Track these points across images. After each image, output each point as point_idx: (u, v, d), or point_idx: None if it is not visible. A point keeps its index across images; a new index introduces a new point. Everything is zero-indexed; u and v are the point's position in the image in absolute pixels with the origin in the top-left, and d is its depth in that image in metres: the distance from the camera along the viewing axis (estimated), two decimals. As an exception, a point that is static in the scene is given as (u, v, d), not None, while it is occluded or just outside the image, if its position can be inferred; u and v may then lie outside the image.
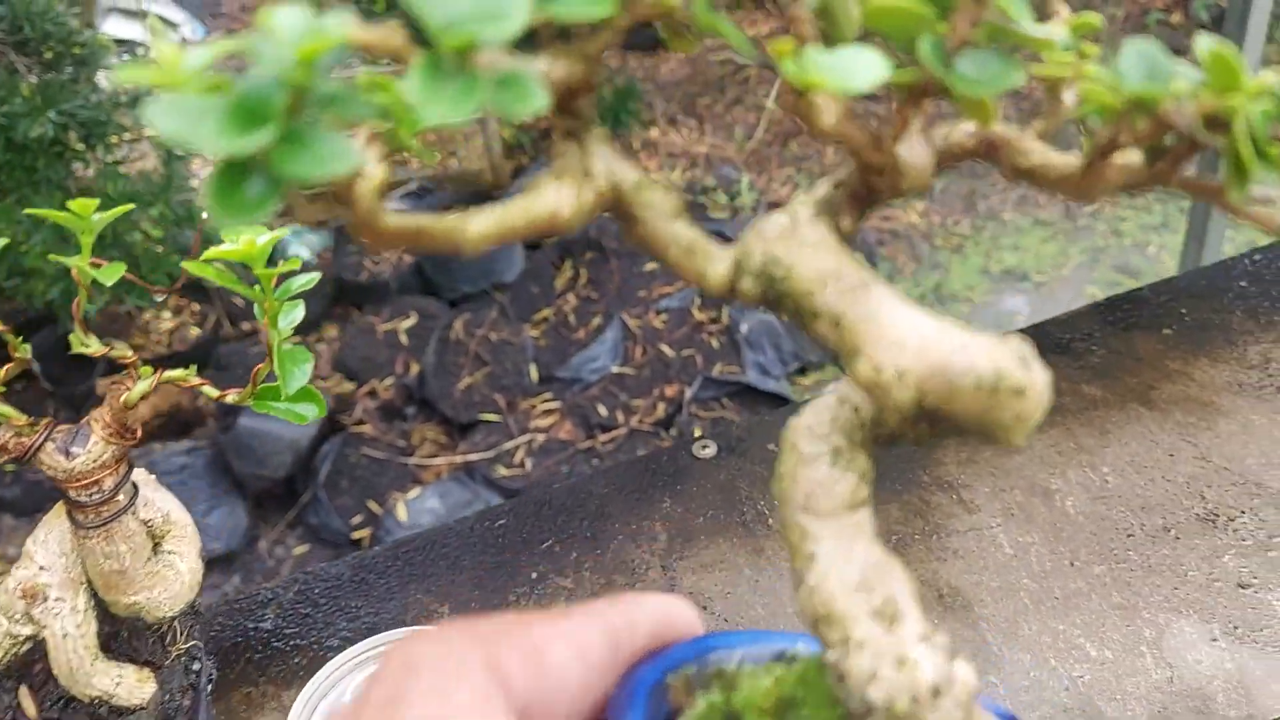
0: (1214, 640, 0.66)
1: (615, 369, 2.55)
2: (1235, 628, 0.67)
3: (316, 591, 0.79)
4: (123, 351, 0.43)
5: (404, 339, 2.63)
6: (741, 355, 2.57)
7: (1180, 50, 0.23)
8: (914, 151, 0.26)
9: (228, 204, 0.19)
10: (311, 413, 0.45)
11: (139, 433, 0.44)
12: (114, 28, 3.80)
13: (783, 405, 2.36)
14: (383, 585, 0.80)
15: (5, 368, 0.42)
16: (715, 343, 2.65)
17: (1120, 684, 0.65)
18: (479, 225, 0.24)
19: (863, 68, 0.22)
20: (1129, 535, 0.73)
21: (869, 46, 0.23)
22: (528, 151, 3.15)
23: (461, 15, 0.19)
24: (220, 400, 0.45)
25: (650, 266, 2.75)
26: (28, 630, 0.45)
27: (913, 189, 0.27)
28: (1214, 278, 0.96)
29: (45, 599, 0.44)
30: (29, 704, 0.46)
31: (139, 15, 4.16)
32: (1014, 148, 0.27)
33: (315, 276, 0.41)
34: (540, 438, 2.39)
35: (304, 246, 2.80)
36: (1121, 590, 0.70)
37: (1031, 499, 0.77)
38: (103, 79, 2.07)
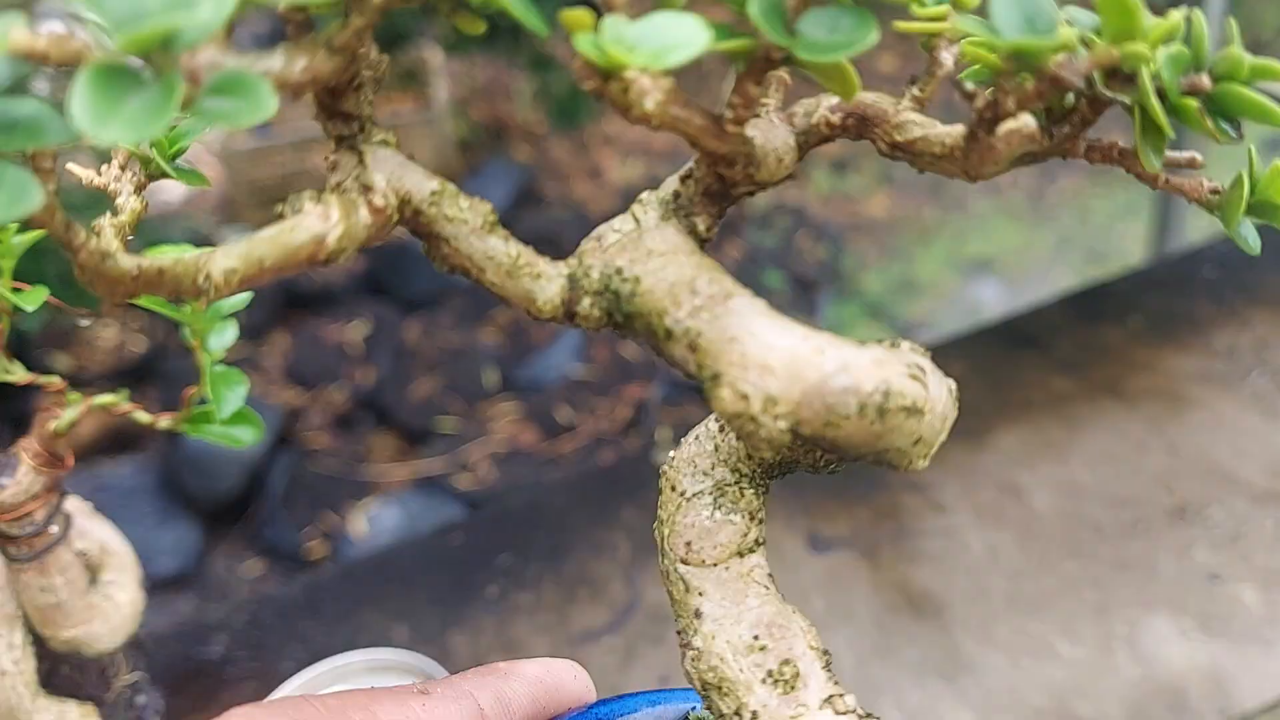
0: (1186, 635, 0.65)
1: (576, 371, 2.53)
2: (1207, 621, 0.66)
3: (267, 616, 0.77)
4: (49, 379, 0.40)
5: (357, 345, 2.59)
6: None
7: None
8: (769, 134, 0.23)
9: None
10: (249, 436, 0.42)
11: (70, 460, 0.41)
12: (51, 30, 3.73)
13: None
14: (337, 607, 0.77)
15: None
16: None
17: (1094, 683, 0.64)
18: (225, 263, 0.20)
19: (678, 37, 0.18)
20: (1099, 531, 0.72)
21: (686, 13, 0.19)
22: (484, 147, 3.12)
23: (148, 7, 0.15)
24: (152, 426, 0.42)
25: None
26: (-45, 674, 0.42)
27: (774, 178, 0.23)
28: (1180, 267, 0.96)
29: (-28, 640, 0.42)
30: (-42, 752, 0.43)
31: (75, 18, 4.07)
32: (889, 121, 0.24)
33: (247, 296, 0.39)
34: (501, 444, 2.36)
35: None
36: (1093, 587, 0.69)
37: (1001, 497, 0.76)
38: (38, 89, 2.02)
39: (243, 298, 0.38)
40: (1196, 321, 0.87)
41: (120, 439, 2.36)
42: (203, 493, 2.24)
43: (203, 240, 2.75)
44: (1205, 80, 0.20)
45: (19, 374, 0.40)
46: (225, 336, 0.38)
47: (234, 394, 0.38)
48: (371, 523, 2.18)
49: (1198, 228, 2.42)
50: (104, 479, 2.24)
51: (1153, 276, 0.93)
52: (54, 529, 0.42)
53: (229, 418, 0.40)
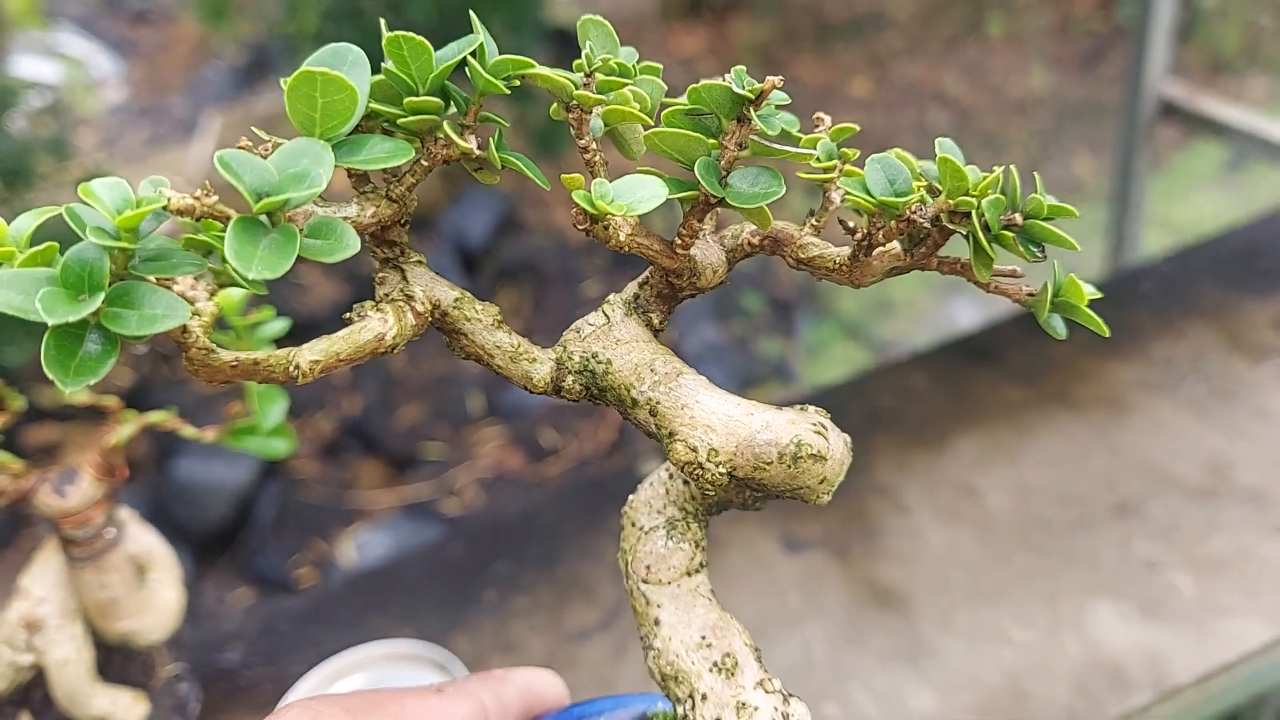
0: (1126, 618, 0.72)
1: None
2: (1145, 605, 0.72)
3: (280, 623, 0.82)
4: (108, 400, 0.46)
5: (344, 374, 2.64)
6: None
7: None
8: (707, 253, 0.31)
9: (66, 367, 0.20)
10: (284, 448, 0.48)
11: (125, 471, 0.47)
12: (25, 68, 3.76)
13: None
14: (344, 614, 0.82)
15: (1, 417, 0.44)
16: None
17: (1044, 663, 0.70)
18: (310, 356, 0.26)
19: (645, 193, 0.26)
20: (1048, 527, 0.79)
21: (652, 171, 0.27)
22: (466, 176, 3.18)
23: (271, 178, 0.22)
24: (198, 439, 0.48)
25: (593, 291, 2.79)
26: (29, 659, 0.47)
27: (710, 284, 0.31)
28: (1123, 284, 1.03)
29: (45, 629, 0.47)
30: (27, 731, 0.49)
31: (52, 55, 4.11)
32: (795, 243, 0.31)
33: (286, 325, 0.45)
34: (487, 469, 2.41)
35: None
36: (1043, 577, 0.75)
37: (959, 498, 0.82)
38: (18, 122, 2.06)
39: (282, 326, 0.44)
40: (1137, 334, 0.94)
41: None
42: (192, 522, 2.28)
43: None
44: (1018, 218, 0.27)
45: (83, 395, 0.46)
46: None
47: (276, 408, 0.44)
48: (360, 549, 2.22)
49: (1150, 244, 2.51)
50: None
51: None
52: (111, 532, 0.48)
53: (269, 430, 0.45)
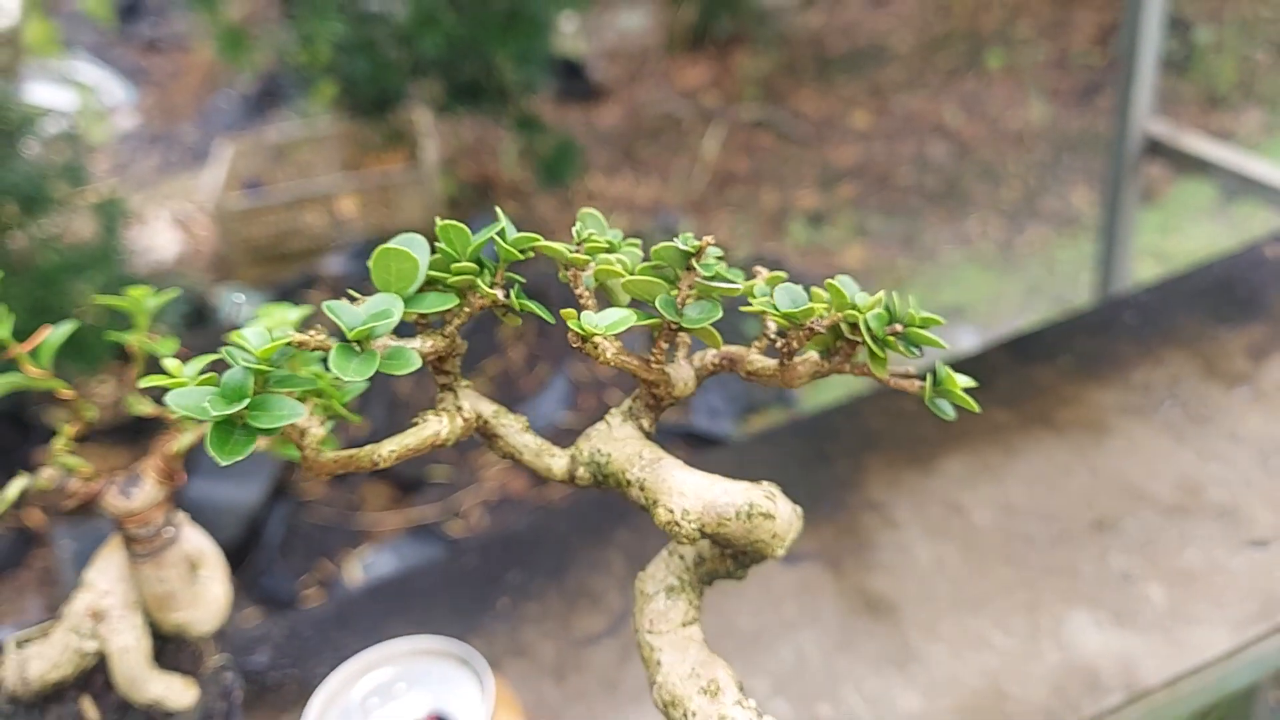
0: (1101, 626, 0.76)
1: (564, 419, 2.63)
2: (1119, 615, 0.77)
3: (304, 629, 0.87)
4: (170, 413, 0.51)
5: (352, 399, 2.68)
6: (689, 400, 2.67)
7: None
8: (679, 371, 0.40)
9: (223, 447, 0.31)
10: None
11: (183, 476, 0.52)
12: (39, 95, 3.84)
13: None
14: (366, 620, 0.87)
15: (74, 428, 0.50)
16: (658, 390, 2.75)
17: (1023, 668, 0.75)
18: (388, 449, 0.37)
19: (619, 319, 0.35)
20: (1030, 541, 0.84)
21: (627, 308, 0.36)
22: (472, 204, 3.24)
23: (360, 319, 0.32)
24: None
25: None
26: (93, 646, 0.52)
27: (684, 394, 0.40)
28: (1105, 313, 1.09)
29: (109, 618, 0.52)
30: (91, 711, 0.53)
31: (67, 83, 4.20)
32: (744, 361, 0.41)
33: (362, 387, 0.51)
34: (492, 491, 2.46)
35: (249, 309, 2.86)
36: (1023, 589, 0.80)
37: (946, 514, 0.87)
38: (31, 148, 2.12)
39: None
40: (1118, 360, 0.99)
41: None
42: (203, 541, 2.32)
43: (196, 296, 2.84)
44: (899, 327, 0.35)
45: (148, 408, 0.51)
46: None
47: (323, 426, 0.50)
48: (367, 570, 2.26)
49: (1145, 274, 2.56)
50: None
51: (1081, 322, 1.06)
52: (169, 531, 0.53)
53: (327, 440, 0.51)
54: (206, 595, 0.56)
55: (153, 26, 4.81)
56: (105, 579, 0.53)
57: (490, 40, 2.76)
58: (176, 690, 0.55)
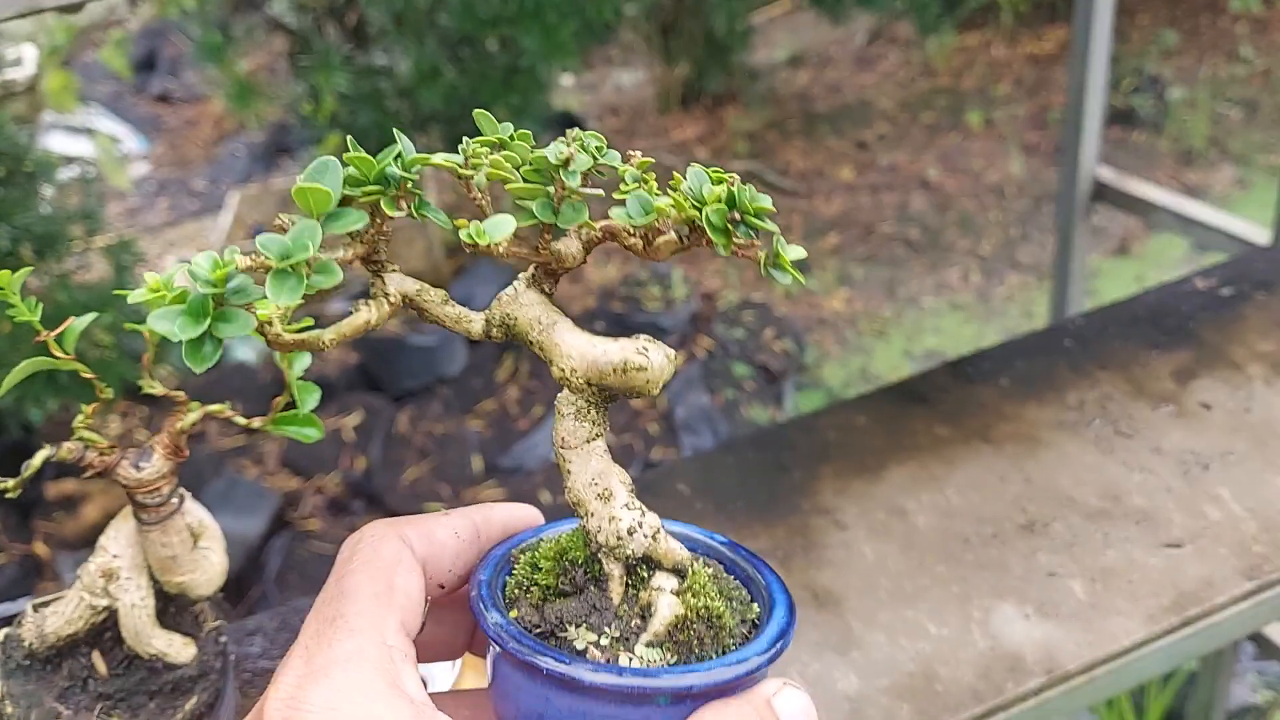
0: (1027, 617, 0.83)
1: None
2: (1043, 607, 0.84)
3: (297, 621, 0.93)
4: (178, 394, 0.59)
5: (350, 435, 2.76)
6: (679, 438, 2.74)
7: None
8: (568, 246, 0.46)
9: (196, 358, 0.37)
10: (315, 434, 0.61)
11: (187, 452, 0.60)
12: (58, 143, 3.97)
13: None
14: (353, 616, 0.94)
15: (94, 406, 0.57)
16: (653, 428, 2.82)
17: (954, 653, 0.81)
18: (329, 336, 0.43)
19: (503, 225, 0.42)
20: (966, 542, 0.91)
21: (507, 213, 0.42)
22: (469, 252, 3.34)
23: (286, 248, 0.38)
24: (248, 428, 0.61)
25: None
26: (104, 603, 0.59)
27: (575, 264, 0.46)
28: (1045, 339, 1.16)
29: (118, 578, 0.59)
30: (100, 664, 0.60)
31: (82, 132, 4.32)
32: (621, 234, 0.47)
33: (308, 357, 0.58)
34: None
35: (251, 347, 2.94)
36: (958, 583, 0.87)
37: (890, 517, 0.94)
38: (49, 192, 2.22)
39: (307, 357, 0.57)
40: (1054, 381, 1.07)
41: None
42: (201, 575, 2.38)
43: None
44: (736, 216, 0.42)
45: (158, 387, 0.59)
46: (304, 361, 0.58)
47: (311, 398, 0.57)
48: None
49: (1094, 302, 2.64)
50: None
51: (1022, 345, 1.13)
52: (175, 501, 0.60)
53: (303, 418, 0.58)
54: (206, 562, 0.63)
55: (167, 79, 4.96)
56: (116, 544, 0.60)
57: (489, 94, 2.87)
58: (178, 646, 0.61)
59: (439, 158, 0.42)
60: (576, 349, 0.43)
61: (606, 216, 0.45)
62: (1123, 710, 1.81)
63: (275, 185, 3.36)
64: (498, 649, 0.42)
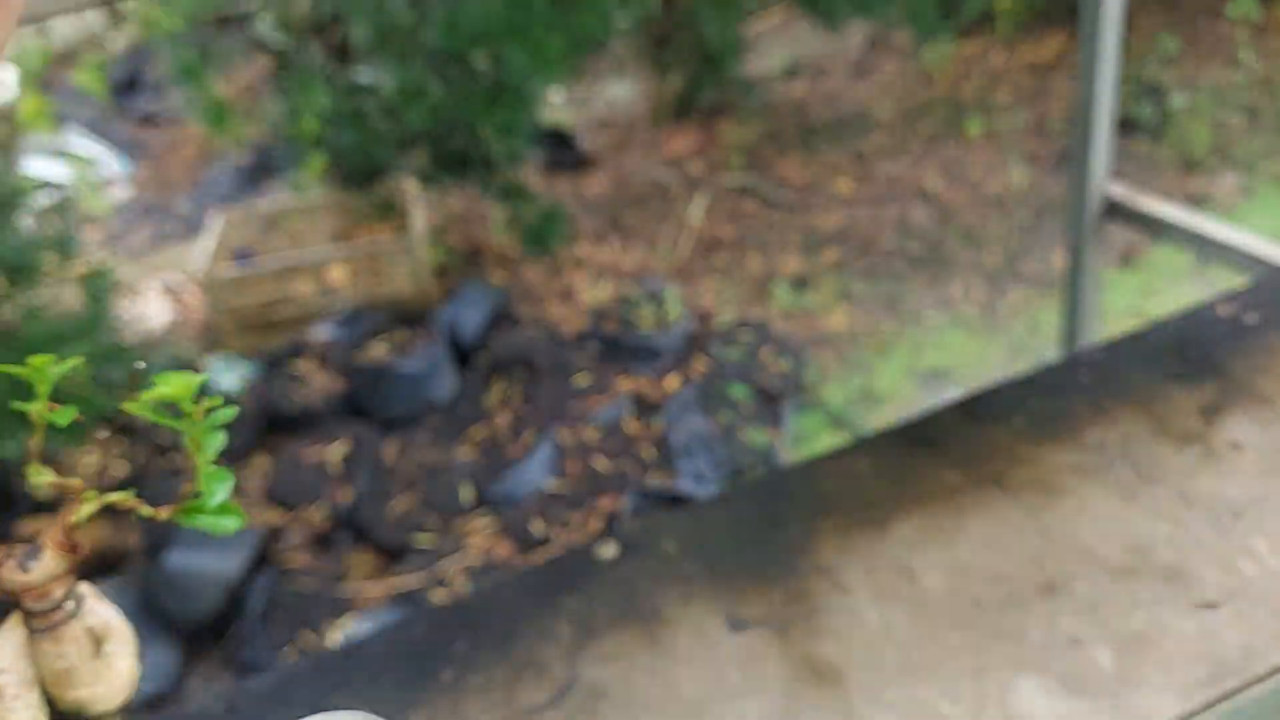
0: (1049, 693, 0.75)
1: (550, 485, 2.61)
2: (1066, 680, 0.76)
3: (242, 704, 0.85)
4: (72, 482, 0.51)
5: (337, 466, 2.68)
6: (674, 464, 2.65)
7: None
8: None
9: None
10: (232, 524, 0.52)
11: (84, 549, 0.51)
12: (35, 168, 3.89)
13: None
14: (307, 694, 0.86)
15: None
16: (648, 453, 2.73)
17: (970, 737, 0.73)
18: None
19: None
20: (979, 605, 0.82)
21: None
22: (460, 271, 3.27)
23: None
24: (154, 519, 0.52)
25: (583, 382, 2.84)
26: (-16, 725, 0.51)
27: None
28: (1060, 373, 1.08)
29: (4, 696, 0.51)
30: (-16, 794, 0.52)
31: (59, 155, 4.25)
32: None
33: (234, 410, 0.50)
34: (477, 558, 2.44)
35: (234, 376, 2.86)
36: (971, 654, 0.79)
37: (896, 578, 0.86)
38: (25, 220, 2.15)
39: (230, 411, 0.49)
40: (1071, 420, 0.99)
41: (102, 562, 2.42)
42: (182, 614, 2.30)
43: (186, 365, 2.86)
44: None
45: (48, 477, 0.51)
46: (216, 442, 0.49)
47: (222, 488, 0.49)
48: (347, 640, 2.23)
49: (1106, 330, 2.56)
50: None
51: (1035, 382, 1.05)
52: (70, 605, 0.52)
53: (216, 509, 0.50)
54: (110, 672, 0.54)
55: (149, 101, 4.89)
56: (3, 657, 0.52)
57: (475, 112, 2.80)
58: (77, 771, 0.53)
59: None
60: None
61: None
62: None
63: (259, 208, 3.28)
64: None
